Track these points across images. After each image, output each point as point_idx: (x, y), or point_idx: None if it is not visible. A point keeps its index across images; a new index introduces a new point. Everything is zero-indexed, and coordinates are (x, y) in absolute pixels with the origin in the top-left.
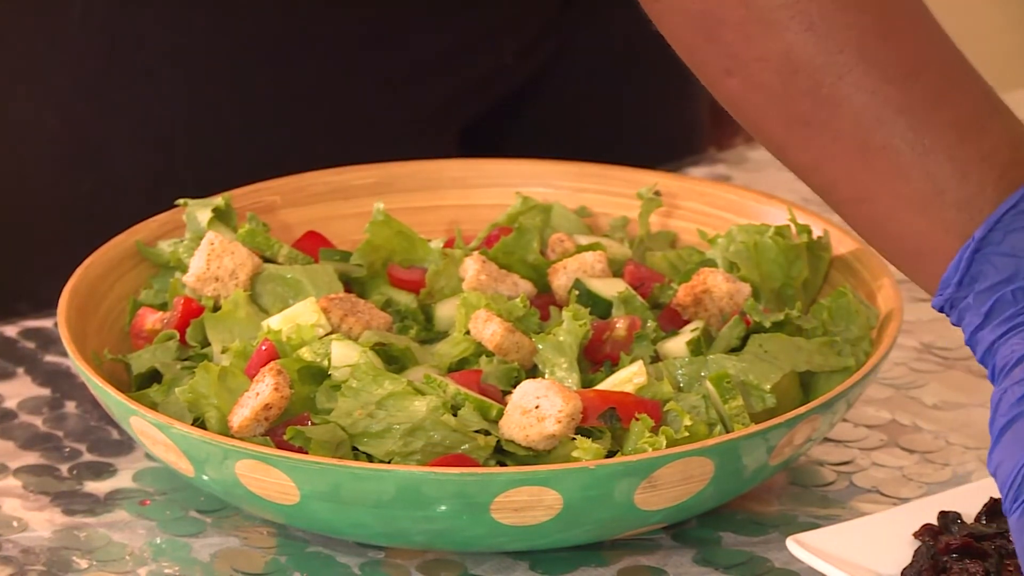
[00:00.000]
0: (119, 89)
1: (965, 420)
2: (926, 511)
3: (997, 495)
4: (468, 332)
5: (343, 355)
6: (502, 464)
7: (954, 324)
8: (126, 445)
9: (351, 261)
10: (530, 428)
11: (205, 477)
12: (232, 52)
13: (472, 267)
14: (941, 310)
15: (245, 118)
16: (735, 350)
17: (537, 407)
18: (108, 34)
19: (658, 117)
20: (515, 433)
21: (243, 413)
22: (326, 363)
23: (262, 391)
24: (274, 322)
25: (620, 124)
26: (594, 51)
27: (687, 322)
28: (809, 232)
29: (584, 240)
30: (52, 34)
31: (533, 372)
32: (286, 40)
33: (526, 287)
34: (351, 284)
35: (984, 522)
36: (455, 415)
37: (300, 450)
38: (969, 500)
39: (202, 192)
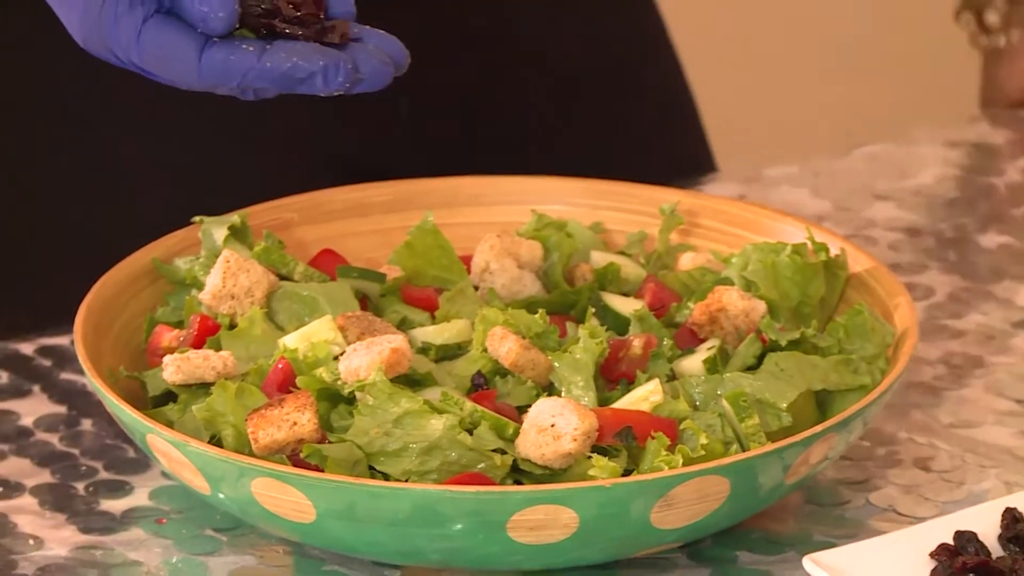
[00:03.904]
0: (135, 110)
1: (981, 439)
2: (942, 531)
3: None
4: (485, 349)
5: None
6: (518, 483)
7: None
8: (142, 463)
9: (387, 262)
10: (546, 446)
11: (221, 495)
12: None
13: (490, 239)
14: None
15: (263, 134)
16: (751, 368)
17: (553, 425)
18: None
19: (662, 137)
20: (531, 451)
21: (274, 434)
22: (346, 387)
23: (300, 423)
24: (290, 340)
25: (625, 144)
26: (600, 72)
27: (703, 340)
28: (826, 250)
29: (600, 256)
30: (68, 58)
31: (550, 390)
32: None
33: (539, 251)
34: (367, 302)
35: (1002, 542)
36: (471, 434)
37: (316, 468)
38: (985, 519)
39: (218, 210)
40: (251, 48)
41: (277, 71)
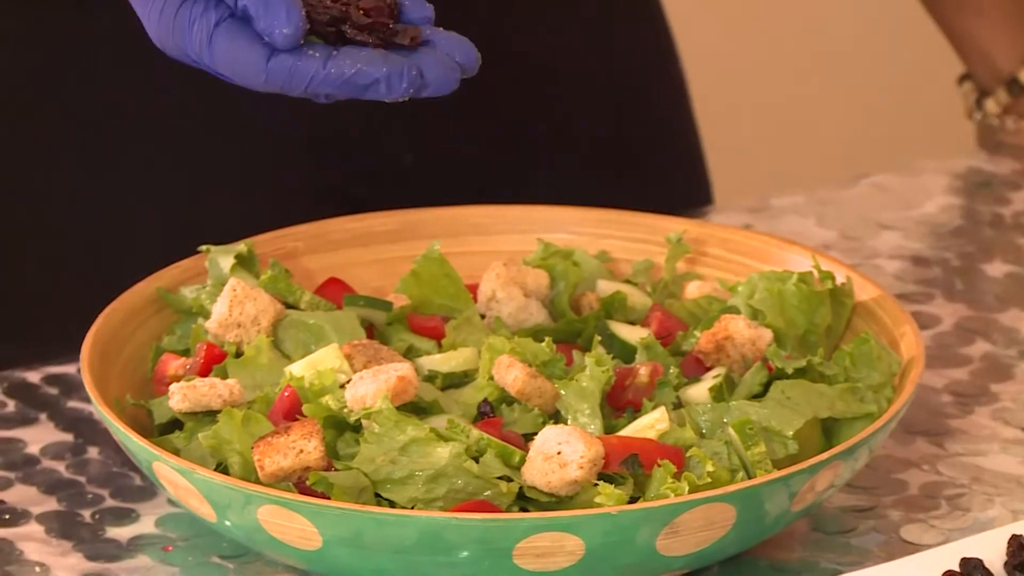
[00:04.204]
0: (140, 141)
1: (987, 467)
2: (948, 558)
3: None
4: (491, 377)
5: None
6: (524, 510)
7: None
8: (148, 491)
9: (394, 290)
10: (552, 474)
11: (227, 523)
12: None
13: (496, 267)
14: None
15: (268, 163)
16: (757, 396)
17: (559, 453)
18: (128, 88)
19: (665, 167)
20: (537, 479)
21: (280, 463)
22: (352, 415)
23: (306, 451)
24: (296, 368)
25: (629, 173)
26: (603, 102)
27: (709, 369)
28: (832, 279)
29: (606, 285)
30: (75, 89)
31: (556, 418)
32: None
33: (545, 280)
34: (374, 330)
35: (1008, 569)
36: (477, 462)
37: (322, 496)
38: (991, 547)
39: (224, 239)
40: (317, 54)
41: (341, 78)
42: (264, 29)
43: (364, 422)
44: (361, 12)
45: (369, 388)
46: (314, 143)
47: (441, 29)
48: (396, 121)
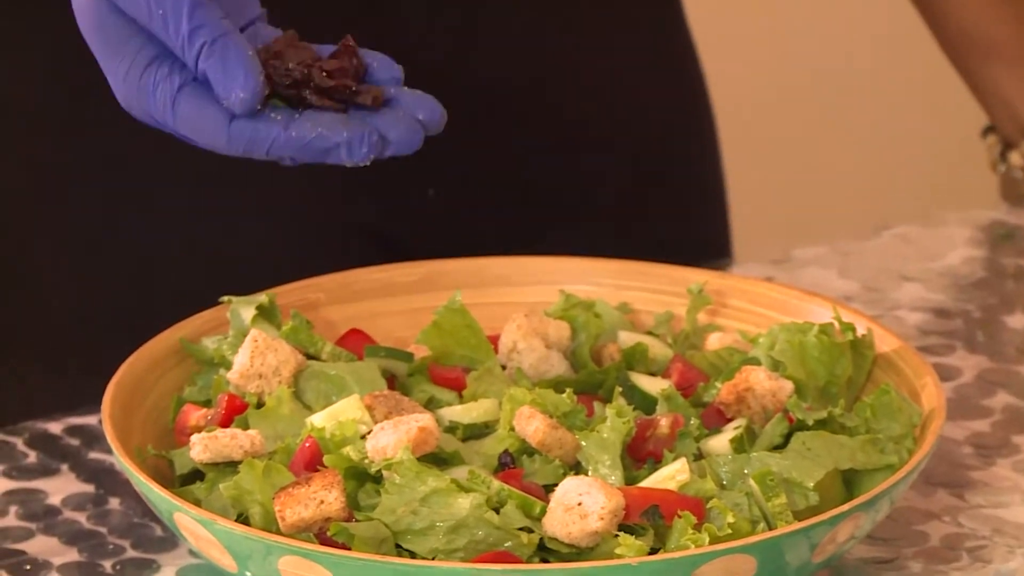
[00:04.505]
0: (161, 191)
1: (1008, 518)
2: None
3: None
4: (512, 428)
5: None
6: (545, 561)
7: None
8: (169, 541)
9: (415, 341)
10: (573, 525)
11: (248, 573)
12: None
13: (517, 318)
14: None
15: (287, 215)
16: (778, 447)
17: (580, 504)
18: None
19: (686, 220)
20: (558, 530)
21: (301, 513)
22: (373, 465)
23: (327, 501)
24: (318, 419)
25: (649, 225)
26: (624, 152)
27: (730, 420)
28: (853, 330)
29: (627, 336)
30: (95, 134)
31: (577, 469)
32: None
33: (567, 331)
34: (395, 381)
35: None
36: (498, 512)
37: (343, 546)
38: None
39: (246, 289)
40: (278, 117)
41: (302, 142)
42: (221, 94)
43: (385, 473)
44: (325, 74)
45: (390, 439)
46: (341, 181)
47: (406, 88)
48: (423, 160)
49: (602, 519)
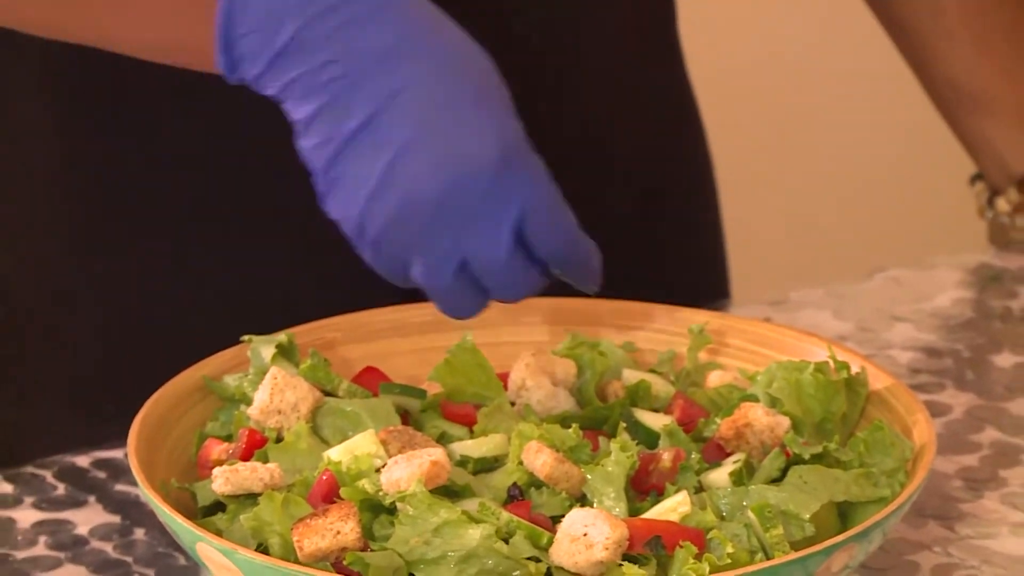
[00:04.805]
0: (183, 234)
1: (997, 549)
2: None
3: None
4: (521, 462)
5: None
6: None
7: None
8: (192, 570)
9: (428, 379)
10: (579, 555)
11: None
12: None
13: (526, 357)
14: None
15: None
16: (775, 480)
17: (585, 535)
18: (176, 194)
19: (686, 263)
20: (564, 560)
21: (319, 543)
22: (387, 498)
23: (343, 532)
24: (334, 453)
25: (647, 264)
26: (624, 196)
27: (730, 454)
28: (848, 368)
29: (631, 374)
30: (113, 175)
31: (582, 501)
32: None
33: (573, 369)
34: (408, 417)
35: None
36: (507, 543)
37: (359, 575)
38: None
39: (266, 329)
40: None
41: None
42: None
43: (399, 505)
44: None
45: (403, 472)
46: None
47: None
48: None
49: (607, 549)
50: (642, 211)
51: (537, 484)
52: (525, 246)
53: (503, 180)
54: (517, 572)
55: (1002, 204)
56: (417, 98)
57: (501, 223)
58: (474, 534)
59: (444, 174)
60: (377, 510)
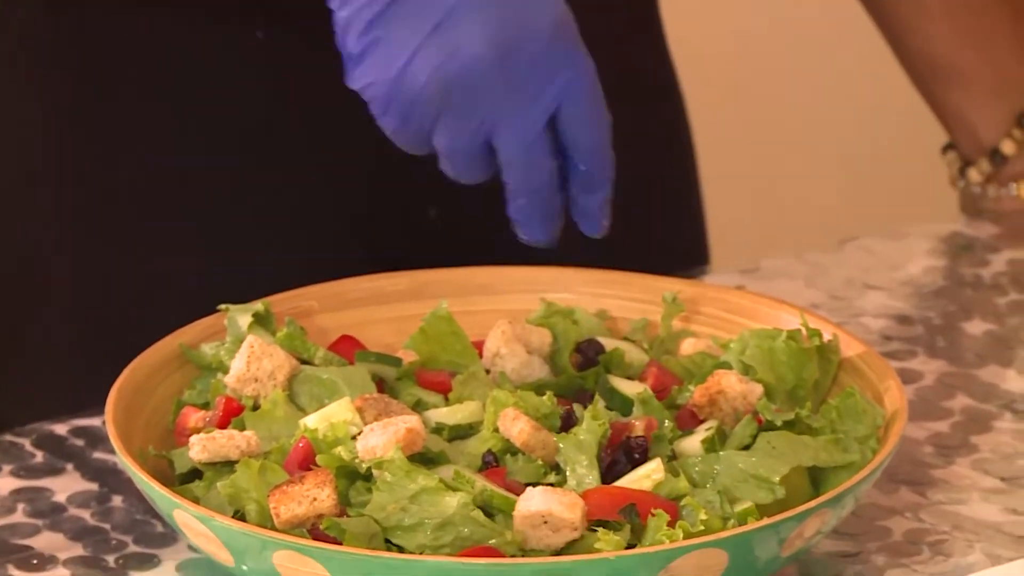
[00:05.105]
0: (163, 202)
1: (967, 514)
2: None
3: None
4: (496, 429)
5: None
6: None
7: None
8: (170, 537)
9: (403, 347)
10: (548, 538)
11: (245, 567)
12: (282, 163)
13: (502, 325)
14: None
15: (285, 221)
16: (747, 447)
17: (546, 522)
18: (153, 161)
19: (662, 228)
20: (534, 544)
21: (295, 510)
22: (363, 464)
23: (320, 499)
24: (311, 421)
25: (626, 234)
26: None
27: (703, 421)
28: (820, 336)
29: (605, 342)
30: (93, 143)
31: (556, 469)
32: (327, 153)
33: (548, 338)
34: (384, 385)
35: None
36: (483, 510)
37: (335, 541)
38: None
39: (242, 298)
40: None
41: None
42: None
43: (376, 472)
44: None
45: (379, 439)
46: (341, 198)
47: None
48: (421, 179)
49: (575, 529)
50: (622, 182)
51: (512, 451)
52: (553, 137)
53: (553, 53)
54: (493, 540)
55: (974, 174)
56: None
57: (540, 98)
58: (451, 502)
59: (495, 36)
60: (353, 477)
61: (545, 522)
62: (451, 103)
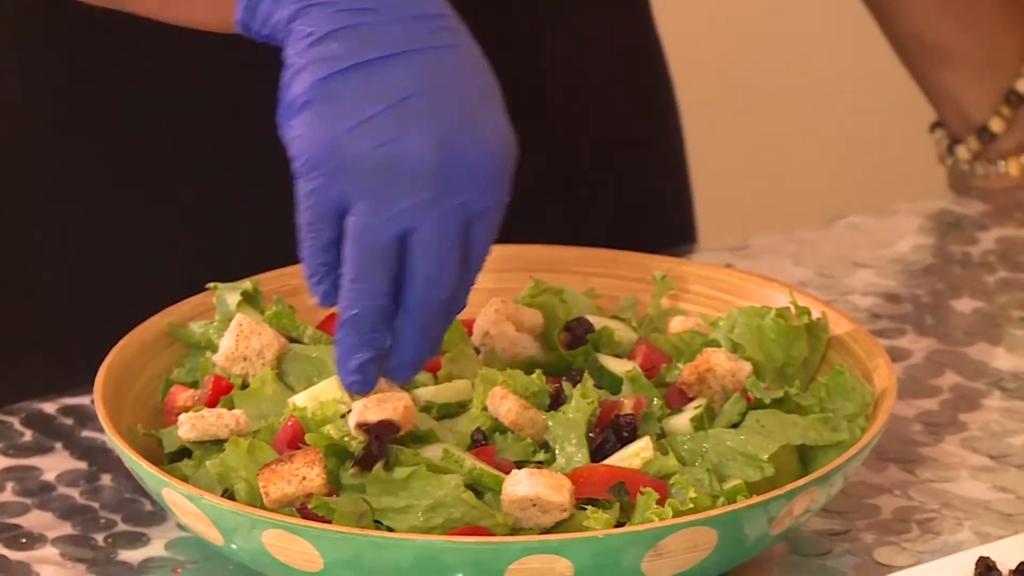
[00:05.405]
0: (151, 180)
1: (956, 492)
2: None
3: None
4: (485, 408)
5: None
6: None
7: (258, 34)
8: (159, 516)
9: None
10: (537, 518)
11: (234, 546)
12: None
13: (494, 303)
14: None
15: (275, 200)
16: (736, 425)
17: (535, 505)
18: (143, 139)
19: (650, 206)
20: (525, 524)
21: (284, 489)
22: (352, 444)
23: (309, 477)
24: (299, 399)
25: (615, 211)
26: (588, 141)
27: (692, 399)
28: (808, 314)
29: (594, 320)
30: (82, 121)
31: (545, 447)
32: None
33: (539, 319)
34: None
35: None
36: (474, 491)
37: (324, 520)
38: (960, 568)
39: (231, 276)
40: None
41: None
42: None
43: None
44: None
45: (376, 418)
46: None
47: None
48: None
49: (564, 511)
50: (608, 158)
51: (500, 429)
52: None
53: (495, 174)
54: (484, 522)
55: (962, 152)
56: (445, 59)
57: (462, 212)
58: (442, 484)
59: (446, 134)
60: (343, 456)
61: (534, 504)
62: (383, 182)
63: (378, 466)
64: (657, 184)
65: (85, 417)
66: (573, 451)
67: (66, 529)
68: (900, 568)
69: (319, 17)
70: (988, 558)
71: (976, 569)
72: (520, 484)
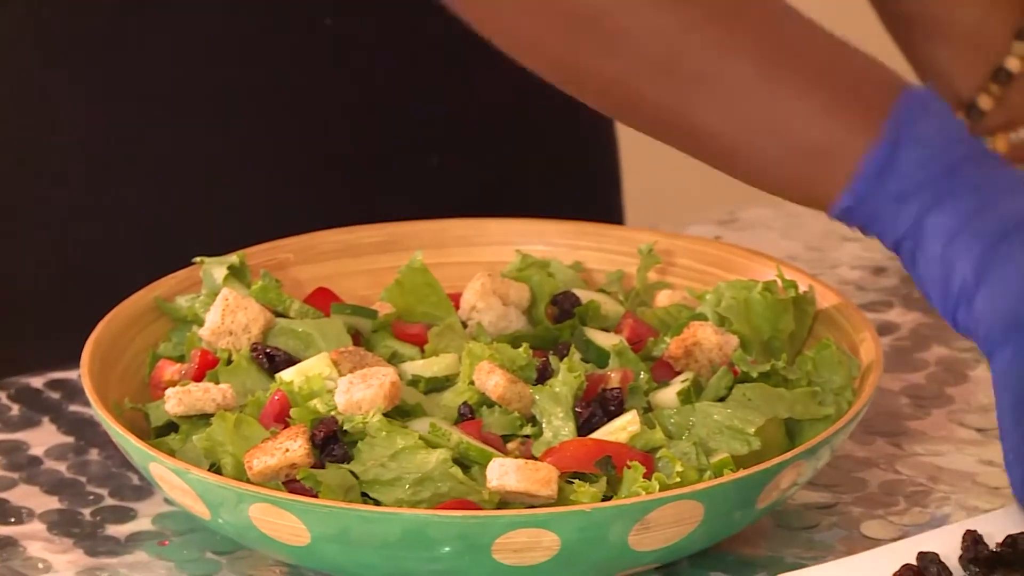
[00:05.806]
0: (141, 156)
1: (943, 465)
2: (906, 552)
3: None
4: (472, 382)
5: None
6: (505, 504)
7: (861, 226)
8: (146, 490)
9: (379, 299)
10: (527, 499)
11: (220, 520)
12: (255, 106)
13: (481, 277)
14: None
15: (263, 174)
16: (722, 399)
17: (523, 491)
18: (131, 110)
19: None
20: (512, 500)
21: (267, 461)
22: (344, 420)
23: (293, 450)
24: (286, 374)
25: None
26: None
27: (679, 373)
28: (795, 287)
29: (581, 294)
30: (76, 104)
31: (532, 421)
32: (307, 100)
33: (526, 293)
34: (359, 337)
35: (963, 563)
36: (460, 464)
37: (311, 493)
38: (947, 541)
39: (218, 250)
40: None
41: None
42: None
43: (350, 428)
44: None
45: (364, 393)
46: (335, 158)
47: None
48: (423, 128)
49: (551, 492)
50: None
51: (487, 403)
52: None
53: None
54: (471, 497)
55: (983, 102)
56: None
57: None
58: (429, 458)
59: None
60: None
61: (523, 490)
62: None
63: (366, 438)
64: (586, 162)
65: (72, 391)
66: (560, 425)
67: (53, 503)
68: (887, 541)
69: (938, 204)
70: (975, 531)
71: (963, 542)
72: (508, 476)
